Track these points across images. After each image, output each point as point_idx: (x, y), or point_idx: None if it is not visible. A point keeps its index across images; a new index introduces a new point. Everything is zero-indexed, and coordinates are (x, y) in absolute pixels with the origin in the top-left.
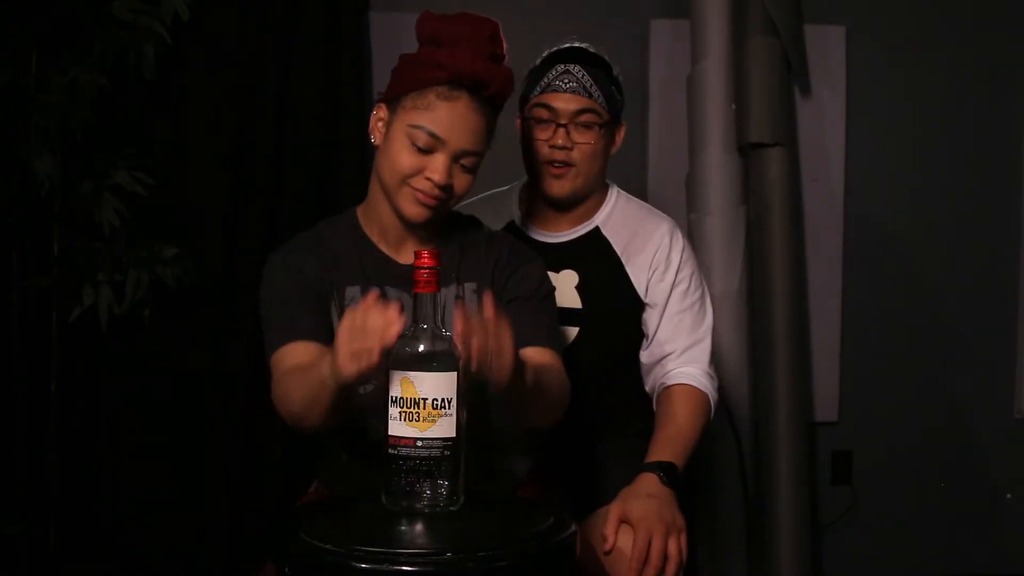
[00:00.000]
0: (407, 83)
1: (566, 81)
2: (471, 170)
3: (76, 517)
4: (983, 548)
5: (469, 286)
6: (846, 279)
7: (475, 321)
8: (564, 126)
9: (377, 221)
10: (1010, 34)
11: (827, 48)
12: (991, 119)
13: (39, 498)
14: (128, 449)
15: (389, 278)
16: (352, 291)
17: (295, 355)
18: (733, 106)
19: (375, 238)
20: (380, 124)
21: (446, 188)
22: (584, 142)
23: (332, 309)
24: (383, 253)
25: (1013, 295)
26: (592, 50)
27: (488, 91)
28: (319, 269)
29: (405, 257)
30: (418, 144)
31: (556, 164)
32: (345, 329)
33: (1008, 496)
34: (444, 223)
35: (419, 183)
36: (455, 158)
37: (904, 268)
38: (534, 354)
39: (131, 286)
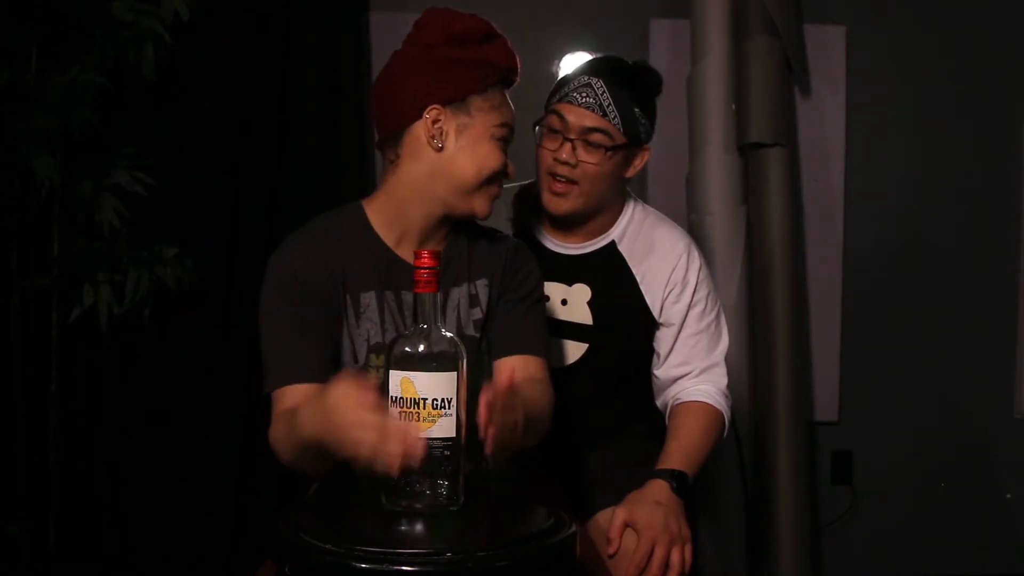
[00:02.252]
0: (471, 84)
1: (583, 95)
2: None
3: (76, 517)
4: (983, 548)
5: (481, 283)
6: (846, 279)
7: (495, 405)
8: (572, 141)
9: (400, 223)
10: (1010, 34)
11: (827, 48)
12: (991, 119)
13: (39, 498)
14: (128, 449)
15: (407, 283)
16: (367, 297)
17: (292, 397)
18: (733, 106)
19: (391, 241)
20: (439, 126)
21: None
22: (589, 162)
23: (343, 319)
24: (398, 256)
25: (1013, 295)
26: (641, 63)
27: (515, 79)
28: (327, 277)
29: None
30: (503, 142)
31: (559, 179)
32: (360, 428)
33: (1008, 496)
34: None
35: (500, 179)
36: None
37: (904, 268)
38: (522, 363)
39: (131, 286)
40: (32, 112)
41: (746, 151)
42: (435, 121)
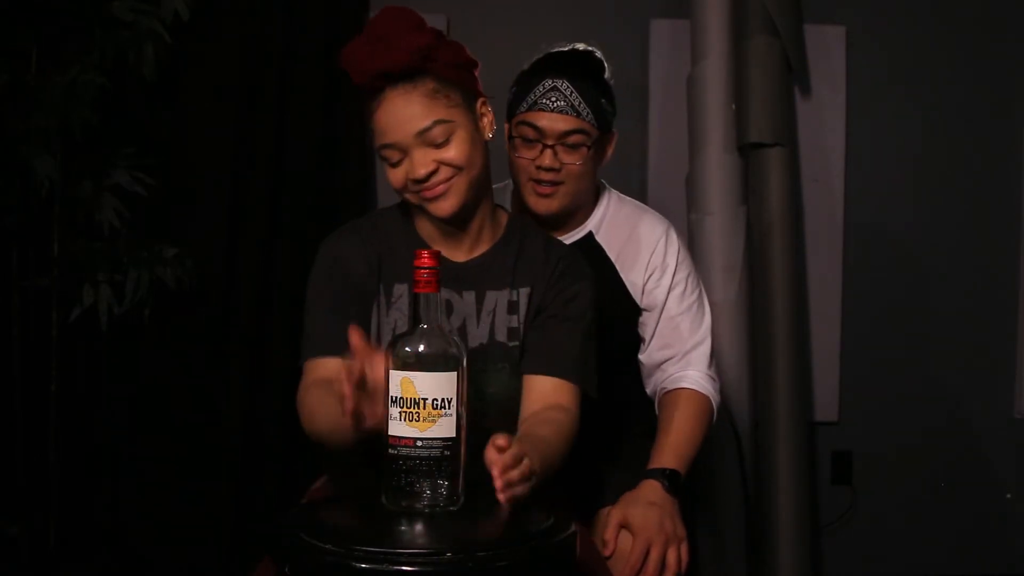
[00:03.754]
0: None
1: (553, 99)
2: (447, 141)
3: (76, 517)
4: (983, 548)
5: (523, 291)
6: (846, 279)
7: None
8: (551, 147)
9: (426, 219)
10: (1010, 34)
11: (827, 48)
12: (991, 119)
13: (39, 498)
14: (128, 449)
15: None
16: (400, 288)
17: (325, 368)
18: (733, 106)
19: (426, 234)
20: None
21: (433, 173)
22: (572, 163)
23: (375, 308)
24: None
25: (1013, 295)
26: (581, 48)
27: (374, 68)
28: (367, 266)
29: (461, 255)
30: (391, 161)
31: (543, 183)
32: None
33: (1008, 496)
34: (502, 223)
35: (414, 187)
36: (424, 145)
37: (904, 268)
38: (551, 388)
39: (131, 286)
40: (32, 112)
41: (746, 151)
42: None
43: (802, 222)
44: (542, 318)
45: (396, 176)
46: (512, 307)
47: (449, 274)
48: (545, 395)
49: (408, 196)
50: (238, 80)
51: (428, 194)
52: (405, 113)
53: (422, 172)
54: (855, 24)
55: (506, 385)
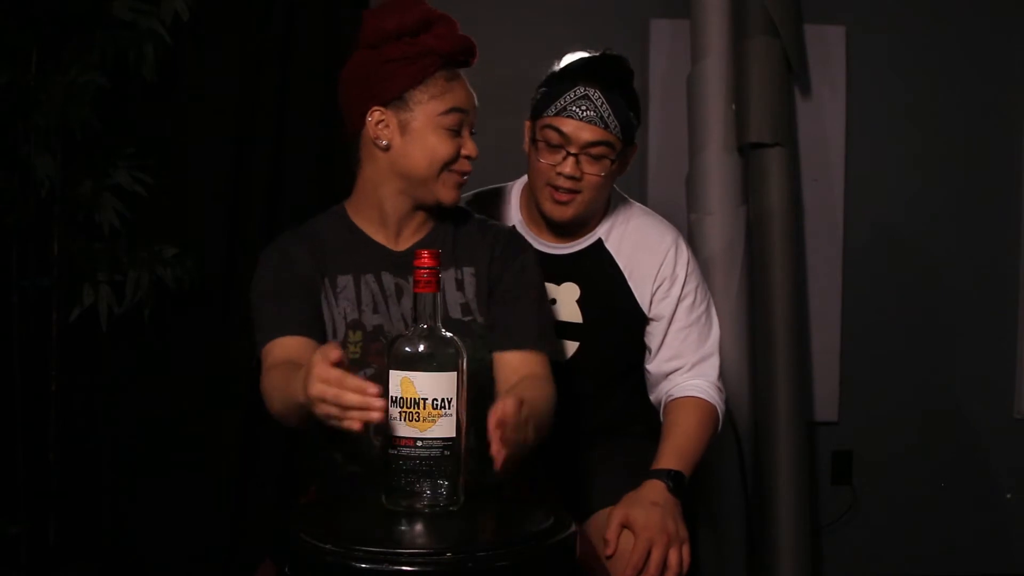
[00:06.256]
0: (406, 80)
1: (583, 108)
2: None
3: (76, 517)
4: (983, 548)
5: (467, 270)
6: (846, 279)
7: (507, 424)
8: (575, 155)
9: (376, 211)
10: (1010, 34)
11: (827, 48)
12: (991, 119)
13: (39, 498)
14: (128, 449)
15: (387, 265)
16: (343, 280)
17: (284, 349)
18: (733, 106)
19: (370, 230)
20: (382, 126)
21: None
22: (594, 174)
23: (323, 300)
24: (378, 243)
25: (1013, 295)
26: (612, 54)
27: (472, 58)
28: (310, 260)
29: (402, 244)
30: (452, 128)
31: (561, 190)
32: (322, 382)
33: (1008, 496)
34: (434, 210)
35: (460, 165)
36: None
37: (904, 268)
38: (521, 360)
39: (131, 286)
40: (32, 112)
41: (746, 151)
42: (378, 123)
43: (802, 222)
44: (499, 293)
45: (450, 146)
46: (459, 284)
47: (397, 265)
48: (518, 368)
49: (437, 171)
50: (238, 80)
51: (459, 179)
52: (471, 94)
53: (476, 153)
54: (855, 24)
55: (471, 358)
